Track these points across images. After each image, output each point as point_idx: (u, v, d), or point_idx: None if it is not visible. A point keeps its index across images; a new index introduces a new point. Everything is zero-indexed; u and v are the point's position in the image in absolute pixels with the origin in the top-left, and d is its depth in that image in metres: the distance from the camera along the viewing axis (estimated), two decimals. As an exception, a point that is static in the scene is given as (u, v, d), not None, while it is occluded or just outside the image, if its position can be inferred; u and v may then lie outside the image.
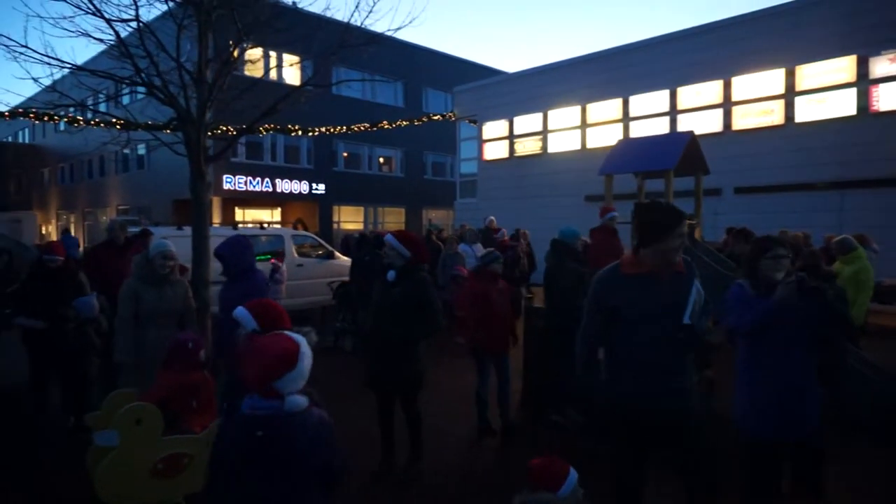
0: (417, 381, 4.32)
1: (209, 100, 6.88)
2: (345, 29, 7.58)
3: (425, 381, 4.39)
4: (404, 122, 17.28)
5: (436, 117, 18.97)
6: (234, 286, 4.14)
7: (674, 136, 8.87)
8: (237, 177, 22.19)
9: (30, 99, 12.49)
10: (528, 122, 19.25)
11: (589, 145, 17.46)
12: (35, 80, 7.03)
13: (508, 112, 19.71)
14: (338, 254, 12.72)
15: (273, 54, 17.44)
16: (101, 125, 10.62)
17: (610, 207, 6.90)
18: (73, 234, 29.28)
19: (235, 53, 7.25)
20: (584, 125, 17.74)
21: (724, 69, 14.58)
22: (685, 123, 15.13)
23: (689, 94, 15.44)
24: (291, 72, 18.70)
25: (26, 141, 36.04)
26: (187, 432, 3.46)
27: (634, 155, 7.28)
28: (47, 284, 5.23)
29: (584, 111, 17.72)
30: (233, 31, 7.13)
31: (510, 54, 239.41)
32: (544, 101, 18.61)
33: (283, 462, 2.05)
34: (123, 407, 3.31)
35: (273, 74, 17.45)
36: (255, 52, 8.40)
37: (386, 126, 16.05)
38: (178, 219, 19.72)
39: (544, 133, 18.78)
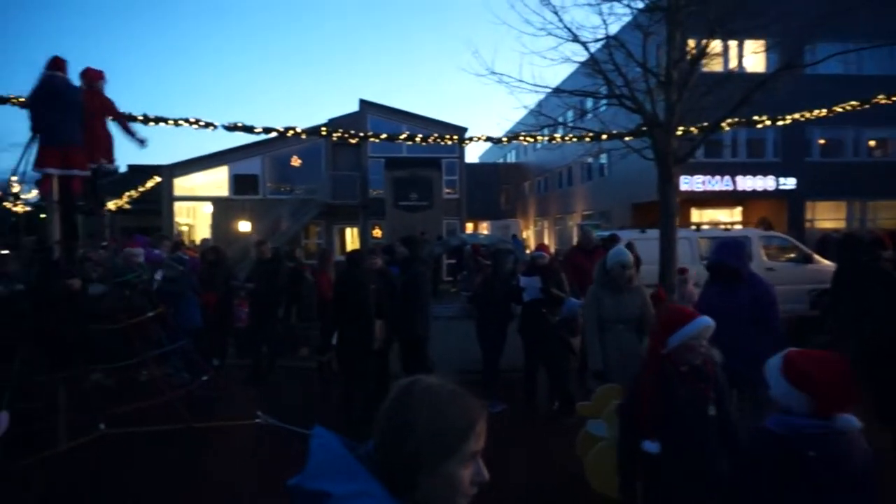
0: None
1: (678, 101, 6.83)
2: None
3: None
4: (910, 93, 13.71)
5: (959, 79, 14.48)
6: (734, 291, 3.74)
7: None
8: (694, 177, 21.61)
9: (518, 123, 14.81)
10: None
11: None
12: (525, 107, 8.30)
13: None
14: (816, 257, 11.07)
15: (732, 44, 16.36)
16: (574, 139, 11.76)
17: None
18: (544, 238, 33.80)
19: (705, 47, 7.02)
20: None
21: None
22: None
23: None
24: (753, 60, 17.16)
25: (513, 160, 43.31)
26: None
27: None
28: (541, 278, 6.17)
29: None
30: (701, 26, 6.92)
31: None
32: None
33: (833, 486, 1.83)
34: (611, 402, 3.49)
35: (733, 65, 16.38)
36: (715, 45, 7.99)
37: (882, 101, 13.09)
38: (636, 221, 20.43)
39: None
